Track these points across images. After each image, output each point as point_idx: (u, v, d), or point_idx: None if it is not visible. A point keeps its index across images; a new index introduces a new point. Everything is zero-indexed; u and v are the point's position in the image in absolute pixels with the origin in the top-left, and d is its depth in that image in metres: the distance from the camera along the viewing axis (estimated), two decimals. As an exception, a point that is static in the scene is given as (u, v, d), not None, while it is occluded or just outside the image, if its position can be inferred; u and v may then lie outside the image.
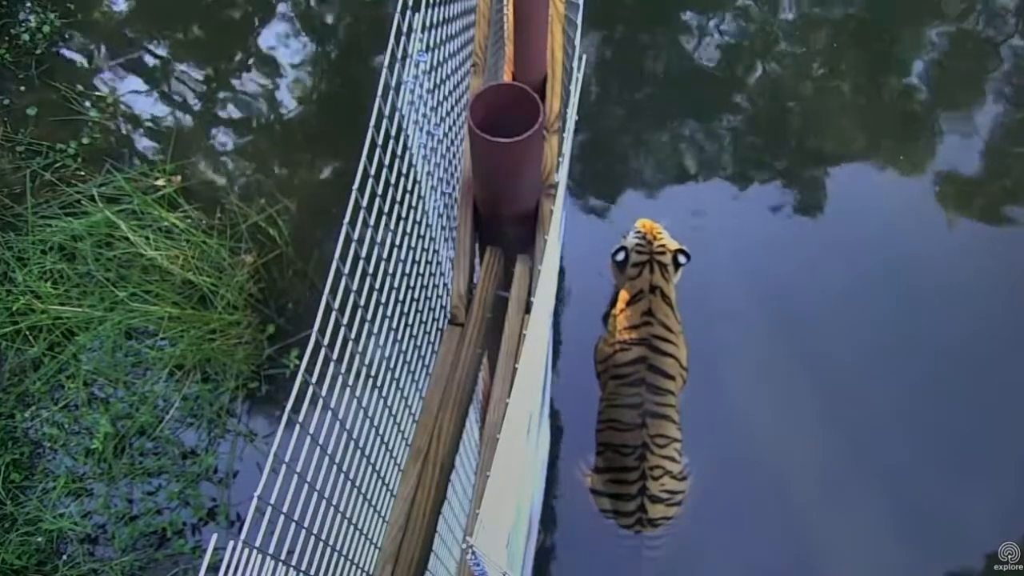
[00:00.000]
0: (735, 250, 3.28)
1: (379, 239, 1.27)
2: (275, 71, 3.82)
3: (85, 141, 3.56)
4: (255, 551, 0.99)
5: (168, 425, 3.03)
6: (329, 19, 3.99)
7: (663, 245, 3.06)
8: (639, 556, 2.81)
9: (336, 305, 1.11)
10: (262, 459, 3.00)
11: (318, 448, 1.12)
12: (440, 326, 1.68)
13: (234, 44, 3.90)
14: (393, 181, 1.33)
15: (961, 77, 3.78)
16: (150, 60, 3.86)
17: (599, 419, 2.93)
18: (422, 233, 1.53)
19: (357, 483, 1.25)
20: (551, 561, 2.88)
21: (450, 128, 1.75)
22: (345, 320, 1.15)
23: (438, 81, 1.61)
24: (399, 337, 1.43)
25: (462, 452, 1.47)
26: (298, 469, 1.06)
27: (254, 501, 0.98)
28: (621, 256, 3.08)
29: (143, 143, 3.63)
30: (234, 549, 0.96)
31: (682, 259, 3.04)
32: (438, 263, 1.68)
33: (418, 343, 1.56)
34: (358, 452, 1.23)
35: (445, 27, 1.64)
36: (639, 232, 3.11)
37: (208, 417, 3.05)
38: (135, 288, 3.15)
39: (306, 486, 1.10)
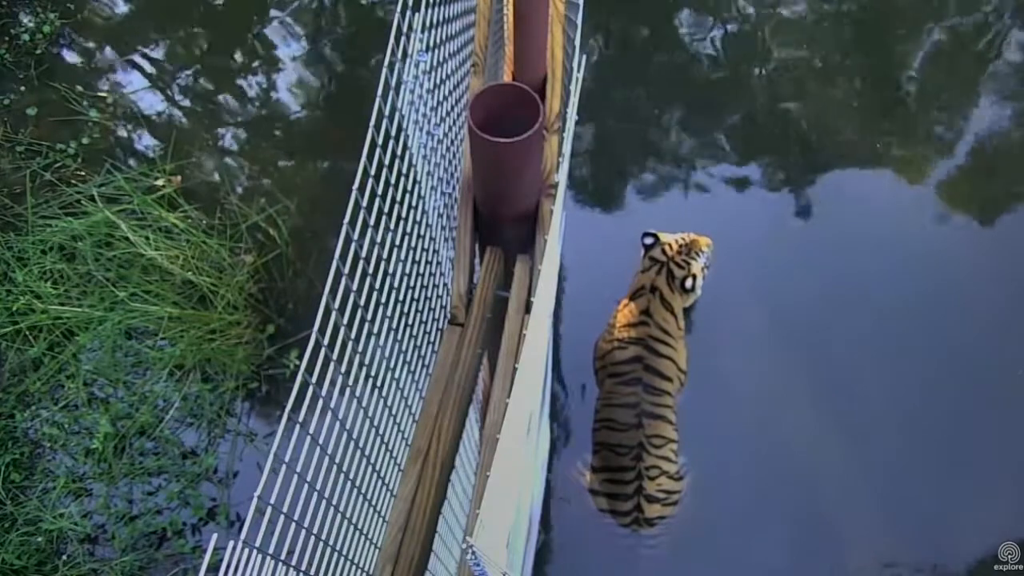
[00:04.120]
0: (735, 249, 3.27)
1: (379, 239, 1.27)
2: (275, 71, 3.82)
3: (85, 141, 3.56)
4: (255, 551, 0.99)
5: (168, 425, 3.03)
6: (329, 19, 3.99)
7: (687, 261, 3.03)
8: (637, 555, 2.81)
9: (336, 305, 1.10)
10: (262, 459, 3.00)
11: (318, 448, 1.12)
12: (440, 326, 1.68)
13: (234, 44, 3.90)
14: (393, 181, 1.33)
15: (961, 77, 3.78)
16: (150, 60, 3.86)
17: (595, 418, 2.94)
18: (422, 233, 1.53)
19: (357, 483, 1.25)
20: (551, 561, 2.88)
21: (450, 128, 1.75)
22: (345, 320, 1.15)
23: (438, 81, 1.61)
24: (399, 337, 1.43)
25: (462, 452, 1.47)
26: (298, 469, 1.06)
27: (254, 501, 0.98)
28: (649, 240, 3.08)
29: (143, 143, 3.63)
30: (234, 549, 0.96)
31: (687, 284, 3.00)
32: (438, 263, 1.68)
33: (418, 343, 1.56)
34: (358, 452, 1.23)
35: (445, 27, 1.64)
36: (682, 237, 3.09)
37: (208, 417, 3.05)
38: (135, 288, 3.15)
39: (306, 486, 1.10)
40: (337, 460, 1.17)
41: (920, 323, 3.20)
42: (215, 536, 1.02)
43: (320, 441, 1.12)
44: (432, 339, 1.65)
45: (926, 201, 3.47)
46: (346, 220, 1.13)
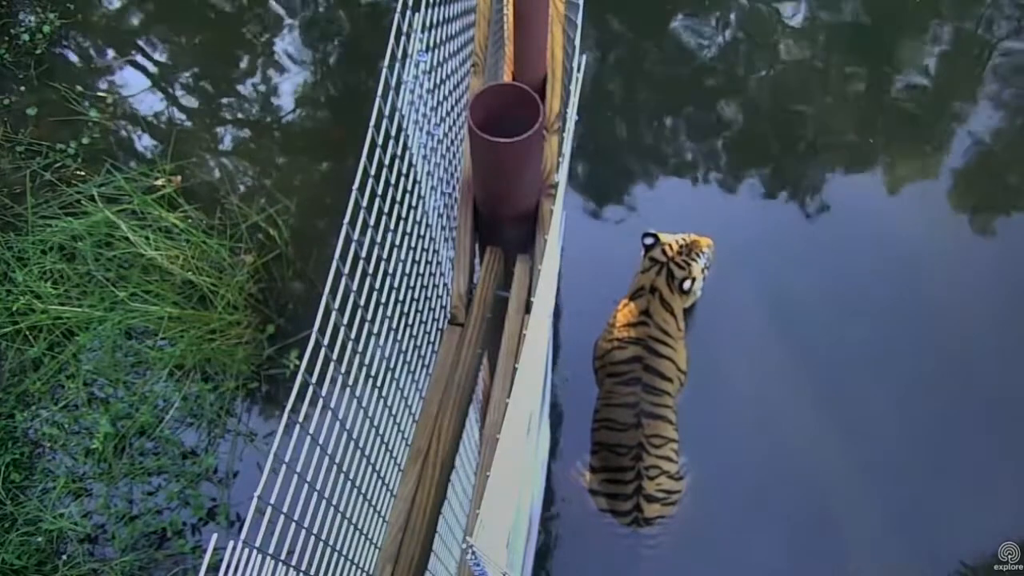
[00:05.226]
0: (735, 249, 3.28)
1: (379, 239, 1.27)
2: (275, 71, 3.82)
3: (85, 141, 3.56)
4: (255, 551, 0.99)
5: (168, 425, 3.03)
6: (329, 19, 3.99)
7: (688, 262, 3.04)
8: (637, 555, 2.81)
9: (336, 305, 1.10)
10: (262, 459, 3.00)
11: (318, 448, 1.12)
12: (440, 326, 1.68)
13: (234, 44, 3.90)
14: (393, 181, 1.33)
15: (962, 78, 3.78)
16: (150, 60, 3.86)
17: (595, 418, 2.94)
18: (422, 233, 1.53)
19: (357, 483, 1.25)
20: (551, 561, 2.88)
21: (450, 128, 1.75)
22: (345, 320, 1.15)
23: (438, 81, 1.61)
24: (399, 337, 1.43)
25: (462, 452, 1.47)
26: (298, 469, 1.06)
27: (254, 501, 0.98)
28: (649, 241, 3.08)
29: (143, 143, 3.63)
30: (234, 549, 0.96)
31: (686, 285, 3.00)
32: (438, 263, 1.68)
33: (418, 343, 1.56)
34: (358, 452, 1.24)
35: (445, 27, 1.64)
36: (683, 238, 3.08)
37: (208, 417, 3.05)
38: (135, 288, 3.15)
39: (306, 486, 1.10)
40: (337, 460, 1.17)
41: (920, 323, 3.20)
42: (215, 536, 1.02)
43: (320, 441, 1.12)
44: (432, 339, 1.65)
45: (927, 201, 3.47)
46: (346, 220, 1.13)
